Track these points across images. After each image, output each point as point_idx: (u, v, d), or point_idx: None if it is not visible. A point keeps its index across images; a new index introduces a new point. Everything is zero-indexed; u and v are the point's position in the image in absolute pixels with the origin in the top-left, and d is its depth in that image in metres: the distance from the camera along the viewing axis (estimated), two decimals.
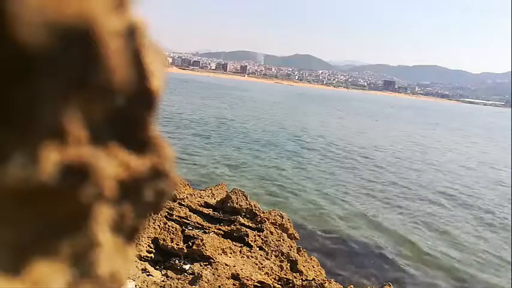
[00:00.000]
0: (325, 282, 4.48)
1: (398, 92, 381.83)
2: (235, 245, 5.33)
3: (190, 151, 15.64)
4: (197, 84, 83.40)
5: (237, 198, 6.34)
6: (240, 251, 5.24)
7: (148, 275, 4.47)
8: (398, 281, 7.22)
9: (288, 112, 41.41)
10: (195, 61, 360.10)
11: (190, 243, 5.11)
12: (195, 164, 13.61)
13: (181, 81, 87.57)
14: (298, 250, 5.69)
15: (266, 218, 6.16)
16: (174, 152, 0.31)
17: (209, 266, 4.65)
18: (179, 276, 4.55)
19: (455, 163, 20.38)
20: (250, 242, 5.46)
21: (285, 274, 4.98)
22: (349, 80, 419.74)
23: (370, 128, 33.57)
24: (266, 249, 5.42)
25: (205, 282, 4.27)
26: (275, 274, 4.96)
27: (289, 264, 5.19)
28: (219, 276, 4.45)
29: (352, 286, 5.02)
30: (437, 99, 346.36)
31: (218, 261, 4.75)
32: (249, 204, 6.39)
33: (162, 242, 5.07)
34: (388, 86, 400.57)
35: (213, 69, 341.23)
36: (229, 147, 17.56)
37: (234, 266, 4.77)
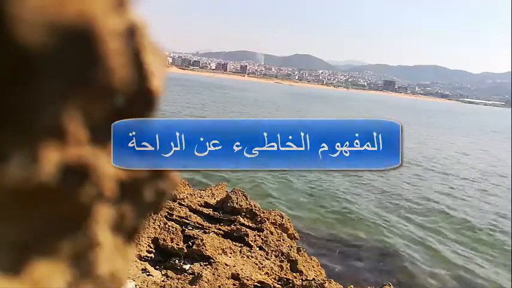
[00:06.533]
0: (325, 282, 4.48)
1: (398, 92, 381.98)
2: (235, 245, 5.33)
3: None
4: (197, 84, 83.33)
5: (237, 198, 6.34)
6: (240, 251, 5.24)
7: (148, 275, 4.47)
8: (399, 281, 7.22)
9: (291, 112, 41.43)
10: (195, 61, 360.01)
11: (190, 243, 5.11)
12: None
13: (181, 81, 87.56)
14: (298, 250, 5.68)
15: (266, 218, 6.16)
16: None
17: (209, 266, 4.65)
18: (179, 276, 4.55)
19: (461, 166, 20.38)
20: (250, 242, 5.46)
21: (285, 274, 4.98)
22: (349, 80, 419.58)
23: None
24: (266, 249, 5.42)
25: (205, 282, 4.27)
26: (275, 274, 4.96)
27: (289, 264, 5.19)
28: (219, 276, 4.45)
29: (352, 286, 5.02)
30: (437, 99, 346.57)
31: (218, 261, 4.75)
32: (249, 204, 6.39)
33: (162, 242, 5.07)
34: (388, 86, 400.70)
35: (213, 69, 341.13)
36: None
37: (234, 266, 4.77)
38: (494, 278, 8.08)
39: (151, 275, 4.49)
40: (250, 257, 5.14)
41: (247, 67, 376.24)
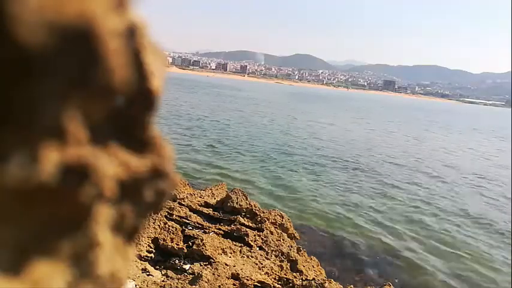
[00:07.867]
0: (325, 282, 4.48)
1: (398, 92, 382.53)
2: (235, 245, 5.33)
3: (190, 150, 15.65)
4: (197, 84, 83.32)
5: (237, 198, 6.35)
6: (240, 251, 5.24)
7: (148, 275, 4.47)
8: (398, 281, 7.22)
9: (290, 112, 41.46)
10: (195, 61, 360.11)
11: (190, 243, 5.11)
12: (196, 164, 13.62)
13: (181, 80, 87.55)
14: (298, 250, 5.68)
15: (266, 217, 6.16)
16: (174, 152, 0.31)
17: (209, 266, 4.65)
18: (179, 276, 4.55)
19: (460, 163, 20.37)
20: (250, 241, 5.46)
21: (285, 274, 4.98)
22: (349, 79, 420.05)
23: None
24: (266, 249, 5.42)
25: (205, 282, 4.27)
26: (275, 274, 4.96)
27: (289, 264, 5.19)
28: (219, 276, 4.45)
29: (352, 286, 5.02)
30: (437, 99, 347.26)
31: (218, 261, 4.75)
32: (249, 204, 6.39)
33: (162, 242, 5.07)
34: (388, 85, 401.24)
35: (213, 69, 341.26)
36: (233, 148, 17.55)
37: (234, 266, 4.77)
38: (494, 278, 8.08)
39: (151, 275, 4.48)
40: (250, 257, 5.14)
41: (247, 67, 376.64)
